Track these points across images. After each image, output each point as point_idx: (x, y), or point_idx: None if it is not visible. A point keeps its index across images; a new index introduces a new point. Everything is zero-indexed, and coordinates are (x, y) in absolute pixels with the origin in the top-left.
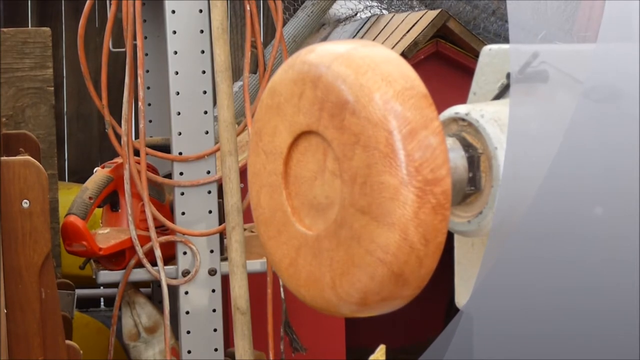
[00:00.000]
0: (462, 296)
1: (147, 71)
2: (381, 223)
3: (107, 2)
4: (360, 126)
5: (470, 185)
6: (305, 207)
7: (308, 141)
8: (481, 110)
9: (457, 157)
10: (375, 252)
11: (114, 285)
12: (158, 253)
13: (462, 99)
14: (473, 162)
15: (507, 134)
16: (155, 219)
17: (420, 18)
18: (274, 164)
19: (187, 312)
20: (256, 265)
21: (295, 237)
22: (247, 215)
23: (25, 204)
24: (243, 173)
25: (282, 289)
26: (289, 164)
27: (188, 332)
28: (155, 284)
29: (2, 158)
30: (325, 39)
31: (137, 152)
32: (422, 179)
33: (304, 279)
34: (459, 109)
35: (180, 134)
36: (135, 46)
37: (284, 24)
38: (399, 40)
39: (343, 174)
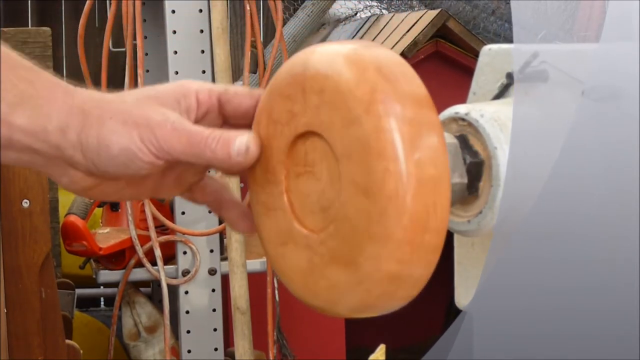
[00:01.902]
0: (462, 296)
1: (147, 71)
2: (381, 223)
3: (107, 2)
4: (360, 127)
5: (470, 185)
6: (304, 208)
7: (307, 142)
8: (481, 110)
9: (457, 157)
10: (375, 252)
11: (114, 284)
12: (158, 253)
13: (462, 99)
14: (473, 162)
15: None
16: (155, 218)
17: (420, 18)
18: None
19: (187, 312)
20: (256, 265)
21: (295, 237)
22: None
23: (26, 203)
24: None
25: (276, 292)
26: (289, 164)
27: (188, 332)
28: (155, 283)
29: None
30: (325, 38)
31: None
32: (422, 179)
33: (302, 279)
34: (459, 109)
35: None
36: (135, 46)
37: (284, 23)
38: (399, 40)
39: (342, 175)
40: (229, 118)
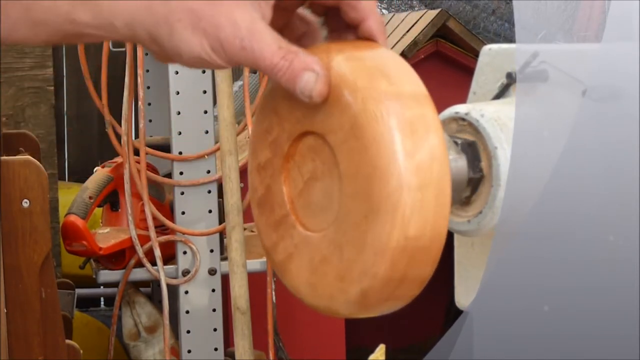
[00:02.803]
0: (462, 296)
1: (147, 71)
2: (381, 223)
3: None
4: (360, 126)
5: (470, 185)
6: (304, 208)
7: (308, 142)
8: (481, 110)
9: (457, 157)
10: (376, 252)
11: (114, 284)
12: (158, 253)
13: (462, 99)
14: (473, 161)
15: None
16: (155, 218)
17: (420, 18)
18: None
19: (187, 312)
20: (256, 264)
21: (295, 237)
22: (247, 215)
23: (26, 203)
24: (243, 172)
25: (273, 293)
26: (289, 164)
27: (188, 332)
28: (155, 283)
29: (2, 158)
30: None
31: (137, 152)
32: (422, 179)
33: (303, 279)
34: (459, 109)
35: (180, 133)
36: (135, 46)
37: None
38: (399, 40)
39: (342, 175)
40: (313, 9)
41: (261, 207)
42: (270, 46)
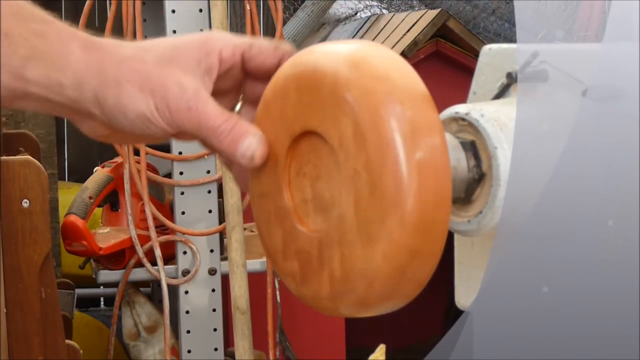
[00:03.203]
0: (462, 296)
1: None
2: (381, 223)
3: (107, 2)
4: (360, 126)
5: (470, 185)
6: (305, 208)
7: (308, 142)
8: (481, 109)
9: (457, 157)
10: (376, 252)
11: (114, 284)
12: (158, 252)
13: (462, 99)
14: (473, 161)
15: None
16: (155, 218)
17: (420, 17)
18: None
19: (187, 312)
20: (256, 264)
21: (296, 237)
22: (247, 215)
23: (25, 203)
24: None
25: (277, 292)
26: (289, 164)
27: (188, 332)
28: (155, 283)
29: (2, 157)
30: (325, 38)
31: (137, 152)
32: (423, 179)
33: (303, 278)
34: (459, 109)
35: None
36: None
37: (284, 23)
38: (399, 40)
39: (343, 175)
40: (251, 73)
41: (261, 207)
42: (214, 109)
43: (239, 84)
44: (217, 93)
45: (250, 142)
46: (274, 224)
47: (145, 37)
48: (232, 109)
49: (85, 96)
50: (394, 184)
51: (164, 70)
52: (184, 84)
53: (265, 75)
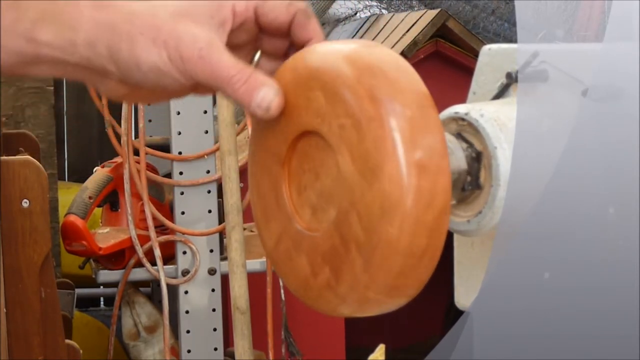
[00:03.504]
0: (462, 296)
1: None
2: (381, 223)
3: None
4: (360, 126)
5: (470, 185)
6: (305, 207)
7: (308, 141)
8: (481, 109)
9: (457, 157)
10: (375, 252)
11: (114, 284)
12: (157, 252)
13: (462, 99)
14: (473, 162)
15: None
16: (154, 218)
17: (420, 17)
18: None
19: (187, 312)
20: (256, 264)
21: (295, 237)
22: (247, 215)
23: (25, 203)
24: (243, 172)
25: (282, 291)
26: (289, 164)
27: (188, 332)
28: (155, 283)
29: (2, 157)
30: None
31: (136, 152)
32: (423, 179)
33: (303, 279)
34: (459, 109)
35: (179, 133)
36: None
37: None
38: (399, 40)
39: (343, 175)
40: (265, 28)
41: (261, 206)
42: (228, 59)
43: (254, 38)
44: (233, 46)
45: (266, 92)
46: (274, 224)
47: None
48: (250, 62)
49: (99, 53)
50: (393, 184)
51: (177, 23)
52: (197, 34)
53: (278, 32)
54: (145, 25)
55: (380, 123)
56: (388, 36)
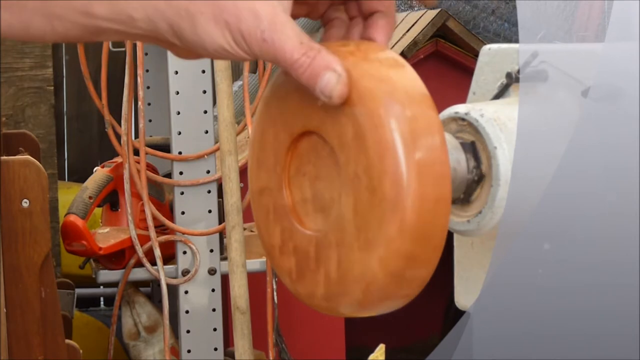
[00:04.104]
0: (461, 296)
1: (147, 70)
2: (381, 223)
3: None
4: (360, 126)
5: (470, 185)
6: (305, 207)
7: (309, 142)
8: (481, 109)
9: (457, 157)
10: (376, 252)
11: (114, 284)
12: (157, 252)
13: (462, 99)
14: (473, 162)
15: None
16: (154, 218)
17: (420, 17)
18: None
19: (187, 312)
20: (256, 264)
21: (295, 237)
22: (247, 215)
23: (25, 203)
24: (243, 172)
25: (275, 293)
26: (289, 163)
27: (188, 332)
28: (155, 283)
29: (2, 157)
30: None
31: (136, 152)
32: (423, 179)
33: (299, 276)
34: (459, 109)
35: (180, 133)
36: (135, 46)
37: None
38: (399, 40)
39: (342, 176)
40: None
41: (260, 203)
42: (292, 40)
43: None
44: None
45: (330, 77)
46: (273, 221)
47: None
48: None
49: (161, 28)
50: (393, 184)
51: None
52: (259, 11)
53: None
54: (204, 2)
55: (380, 124)
56: None
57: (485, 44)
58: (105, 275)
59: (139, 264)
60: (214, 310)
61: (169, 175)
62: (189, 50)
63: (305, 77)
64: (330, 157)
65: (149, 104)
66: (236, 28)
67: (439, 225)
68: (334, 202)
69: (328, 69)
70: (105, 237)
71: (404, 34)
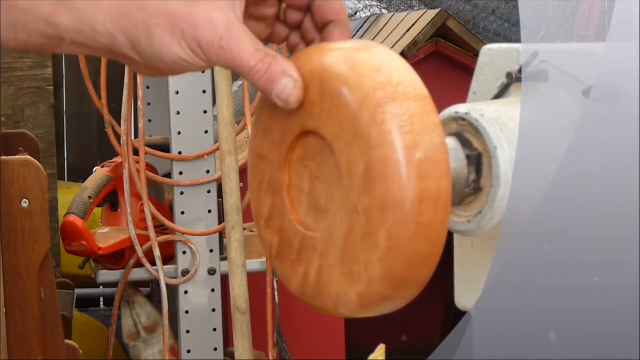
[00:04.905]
0: (462, 296)
1: None
2: (381, 223)
3: None
4: (360, 127)
5: (470, 185)
6: (305, 207)
7: (307, 142)
8: (481, 109)
9: (457, 157)
10: (376, 252)
11: (114, 284)
12: (157, 253)
13: (462, 99)
14: (473, 162)
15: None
16: (154, 218)
17: (420, 17)
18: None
19: (187, 312)
20: (256, 264)
21: (296, 237)
22: (247, 215)
23: (25, 203)
24: (243, 172)
25: (276, 293)
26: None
27: (187, 332)
28: (155, 283)
29: (1, 157)
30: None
31: (136, 152)
32: (423, 179)
33: (303, 279)
34: (459, 109)
35: (179, 133)
36: None
37: None
38: (399, 40)
39: (343, 175)
40: None
41: (257, 168)
42: (248, 47)
43: None
44: (257, 2)
45: (286, 83)
46: (265, 191)
47: None
48: (277, 14)
49: (120, 41)
50: (393, 184)
51: (192, 6)
52: (215, 19)
53: None
54: (160, 12)
55: (380, 124)
56: (388, 36)
57: (485, 44)
58: (105, 276)
59: (139, 264)
60: (213, 310)
61: (168, 175)
62: (148, 66)
63: (262, 83)
64: (335, 169)
65: (149, 104)
66: (192, 37)
67: (440, 225)
68: (329, 213)
69: (284, 75)
70: (105, 237)
71: (404, 34)
